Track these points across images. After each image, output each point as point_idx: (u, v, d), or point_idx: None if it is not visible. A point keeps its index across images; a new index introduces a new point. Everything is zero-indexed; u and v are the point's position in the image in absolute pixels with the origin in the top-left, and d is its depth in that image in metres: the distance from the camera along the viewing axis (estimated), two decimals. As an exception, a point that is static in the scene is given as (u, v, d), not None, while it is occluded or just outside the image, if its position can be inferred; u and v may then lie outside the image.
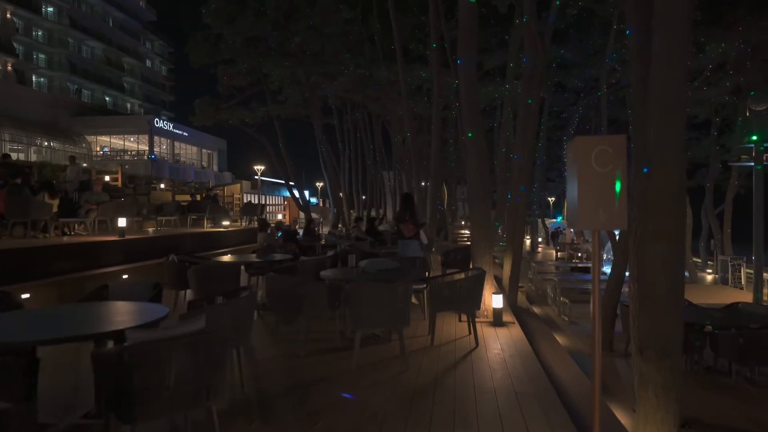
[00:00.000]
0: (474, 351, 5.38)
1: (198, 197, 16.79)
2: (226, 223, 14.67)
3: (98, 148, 53.35)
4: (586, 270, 14.27)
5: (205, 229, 14.28)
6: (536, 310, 10.56)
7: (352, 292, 4.63)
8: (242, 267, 8.69)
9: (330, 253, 8.11)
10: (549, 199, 56.70)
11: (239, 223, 18.01)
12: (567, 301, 9.90)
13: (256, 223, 13.56)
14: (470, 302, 5.51)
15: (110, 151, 53.41)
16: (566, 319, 9.89)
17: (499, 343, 5.70)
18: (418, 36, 20.48)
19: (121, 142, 54.21)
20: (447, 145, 31.66)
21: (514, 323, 6.60)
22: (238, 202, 23.18)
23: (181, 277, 6.65)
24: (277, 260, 7.55)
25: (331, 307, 5.30)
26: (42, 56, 51.73)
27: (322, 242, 11.51)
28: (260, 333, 6.17)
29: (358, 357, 4.71)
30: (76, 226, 10.90)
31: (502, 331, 6.20)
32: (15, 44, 47.46)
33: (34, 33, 50.55)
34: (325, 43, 19.50)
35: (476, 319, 5.73)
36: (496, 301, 6.39)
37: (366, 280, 5.37)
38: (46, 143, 46.09)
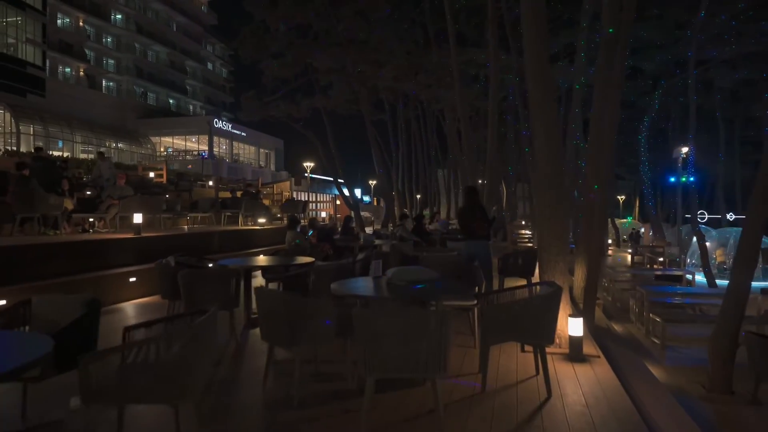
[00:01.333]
0: (546, 404, 3.72)
1: (238, 193, 15.86)
2: (262, 220, 13.59)
3: (162, 149, 55.03)
4: (674, 279, 11.99)
5: (240, 227, 13.25)
6: (617, 328, 8.64)
7: (361, 320, 3.11)
8: (260, 272, 7.42)
9: (361, 256, 6.63)
10: (618, 197, 52.73)
11: (282, 221, 17.01)
12: (658, 319, 7.89)
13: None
14: (539, 332, 3.84)
15: (174, 151, 54.97)
16: (657, 341, 7.90)
17: (581, 391, 4.00)
18: (472, 19, 18.70)
19: (183, 143, 55.65)
20: (504, 141, 29.53)
21: (598, 357, 4.84)
22: (287, 200, 22.29)
23: (175, 284, 5.40)
24: (295, 264, 6.17)
25: (341, 335, 3.82)
26: (111, 61, 53.81)
27: (360, 242, 10.08)
28: (249, 356, 4.81)
29: (371, 413, 3.21)
30: (96, 222, 10.07)
31: (583, 370, 4.48)
32: (86, 50, 49.55)
33: (104, 39, 52.63)
34: (372, 29, 18.14)
35: (547, 351, 4.06)
36: (574, 326, 4.66)
37: (389, 298, 3.83)
38: (114, 144, 47.85)
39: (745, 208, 38.90)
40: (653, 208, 24.15)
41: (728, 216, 28.18)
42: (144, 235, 9.07)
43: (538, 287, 4.21)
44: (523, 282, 8.33)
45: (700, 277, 16.18)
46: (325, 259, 9.34)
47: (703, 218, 32.97)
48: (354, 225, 11.92)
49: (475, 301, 4.63)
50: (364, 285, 4.27)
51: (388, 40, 18.24)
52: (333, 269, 5.30)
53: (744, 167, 29.55)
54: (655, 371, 6.73)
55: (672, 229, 28.14)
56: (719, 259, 22.28)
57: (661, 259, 18.65)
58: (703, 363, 6.69)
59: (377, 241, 11.25)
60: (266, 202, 21.63)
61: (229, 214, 13.53)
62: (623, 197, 53.31)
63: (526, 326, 3.75)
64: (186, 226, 12.86)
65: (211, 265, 6.34)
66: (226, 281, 5.26)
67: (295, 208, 16.68)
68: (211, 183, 22.38)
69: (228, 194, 16.27)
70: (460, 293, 3.94)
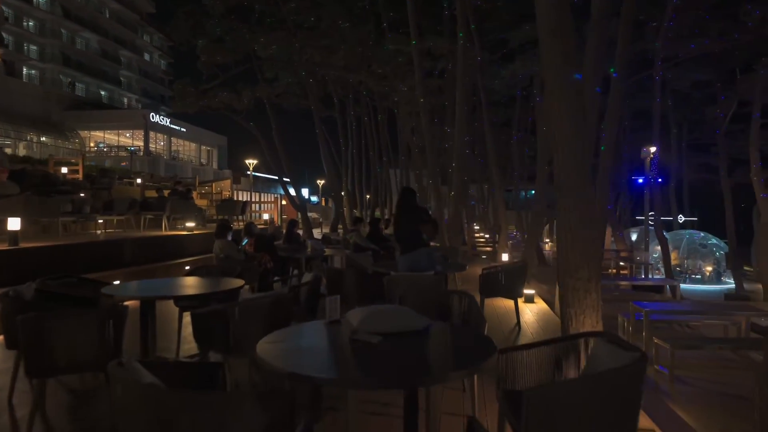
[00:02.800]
0: None
1: (165, 192, 13.72)
2: (191, 224, 11.57)
3: (92, 144, 50.87)
4: (654, 290, 11.01)
5: (164, 232, 11.21)
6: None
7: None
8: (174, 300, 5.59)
9: (308, 277, 4.95)
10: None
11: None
12: (666, 345, 6.66)
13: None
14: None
15: (105, 147, 50.93)
16: (665, 372, 6.67)
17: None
18: (431, 9, 17.31)
19: (116, 138, 51.65)
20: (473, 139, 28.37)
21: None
22: (224, 200, 20.12)
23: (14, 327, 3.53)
24: (213, 294, 4.42)
25: None
26: (33, 47, 49.17)
27: (308, 251, 8.37)
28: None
29: None
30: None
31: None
32: (4, 34, 44.92)
33: (25, 23, 48.01)
34: (320, 13, 16.39)
35: None
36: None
37: (359, 380, 2.21)
38: (36, 138, 43.61)
39: (694, 211, 39.66)
40: (613, 211, 23.67)
41: (679, 218, 28.33)
42: (25, 245, 6.99)
43: (586, 342, 2.68)
44: (509, 303, 6.91)
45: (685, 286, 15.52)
46: (263, 274, 7.58)
47: (680, 220, 33.23)
48: (300, 230, 10.18)
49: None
50: (313, 344, 2.60)
51: (339, 25, 16.51)
52: (266, 307, 3.58)
53: (690, 170, 29.91)
54: (686, 414, 5.46)
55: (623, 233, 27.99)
56: (674, 262, 22.01)
57: (622, 263, 17.94)
58: (726, 397, 5.59)
59: (327, 250, 9.59)
60: (203, 202, 19.40)
61: (151, 216, 11.44)
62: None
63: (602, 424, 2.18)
64: (100, 231, 10.70)
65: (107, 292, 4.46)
66: (101, 325, 3.44)
67: (232, 209, 14.71)
68: (139, 181, 19.93)
69: (154, 193, 14.10)
70: (472, 364, 2.33)
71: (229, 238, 7.62)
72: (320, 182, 47.92)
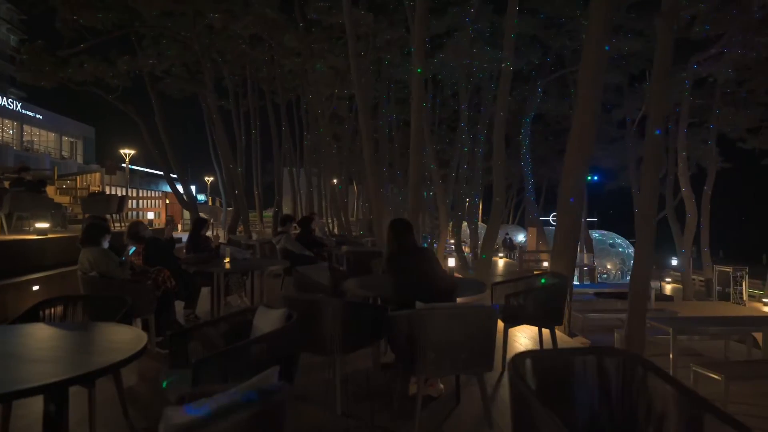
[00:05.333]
0: None
1: (6, 184, 10.16)
2: (43, 225, 8.32)
3: None
4: (619, 296, 10.01)
5: (5, 236, 7.91)
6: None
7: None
8: None
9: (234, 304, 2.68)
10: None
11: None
12: (716, 375, 5.30)
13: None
14: None
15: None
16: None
17: None
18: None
19: (-50, 124, 42.66)
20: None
21: None
22: (92, 194, 16.23)
23: None
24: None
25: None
26: None
27: (226, 263, 5.91)
28: None
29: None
30: None
31: None
32: None
33: None
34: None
35: None
36: None
37: None
38: None
39: (592, 212, 41.83)
40: (536, 211, 23.37)
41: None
42: None
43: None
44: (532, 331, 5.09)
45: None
46: (163, 299, 5.09)
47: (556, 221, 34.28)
48: (207, 232, 7.56)
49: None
50: None
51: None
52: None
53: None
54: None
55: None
56: (585, 262, 22.23)
57: (545, 264, 17.31)
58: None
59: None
60: (64, 199, 15.43)
61: (-21, 215, 8.05)
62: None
63: None
64: None
65: None
66: None
67: (105, 205, 11.43)
68: (-28, 171, 15.34)
69: (-9, 185, 10.42)
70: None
71: (105, 245, 4.97)
72: (208, 179, 43.34)
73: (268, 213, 33.58)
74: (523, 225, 32.89)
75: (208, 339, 3.27)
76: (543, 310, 4.36)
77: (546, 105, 23.20)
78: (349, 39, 10.13)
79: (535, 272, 13.13)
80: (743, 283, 15.09)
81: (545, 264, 18.67)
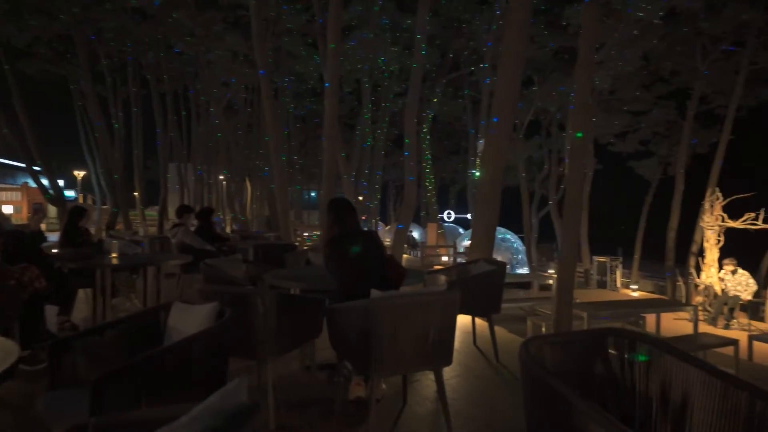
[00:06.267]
0: None
1: None
2: None
3: None
4: (519, 286, 10.35)
5: None
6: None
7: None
8: None
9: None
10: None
11: None
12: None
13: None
14: None
15: None
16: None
17: None
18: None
19: None
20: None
21: None
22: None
23: None
24: None
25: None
26: None
27: (114, 259, 5.01)
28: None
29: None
30: None
31: None
32: None
33: None
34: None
35: None
36: None
37: None
38: None
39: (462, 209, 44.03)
40: (434, 207, 23.86)
41: (468, 216, 30.52)
42: None
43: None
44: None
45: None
46: (31, 304, 4.16)
47: (451, 218, 35.33)
48: (86, 223, 6.43)
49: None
50: None
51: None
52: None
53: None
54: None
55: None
56: (477, 256, 23.13)
57: (444, 258, 17.68)
58: None
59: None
60: None
61: None
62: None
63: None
64: None
65: None
66: None
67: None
68: None
69: None
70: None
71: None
72: (79, 174, 38.69)
73: (152, 212, 30.77)
74: (418, 222, 33.75)
75: (94, 351, 2.58)
76: (481, 298, 4.16)
77: (443, 107, 23.83)
78: (253, 19, 9.35)
79: (467, 261, 13.29)
80: (617, 272, 16.60)
81: (444, 258, 19.13)
